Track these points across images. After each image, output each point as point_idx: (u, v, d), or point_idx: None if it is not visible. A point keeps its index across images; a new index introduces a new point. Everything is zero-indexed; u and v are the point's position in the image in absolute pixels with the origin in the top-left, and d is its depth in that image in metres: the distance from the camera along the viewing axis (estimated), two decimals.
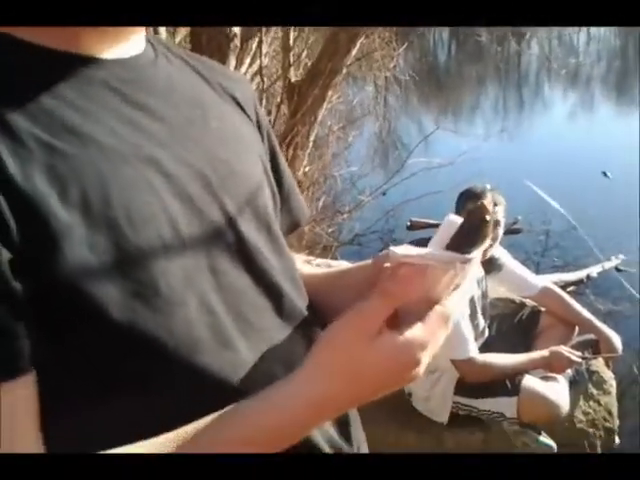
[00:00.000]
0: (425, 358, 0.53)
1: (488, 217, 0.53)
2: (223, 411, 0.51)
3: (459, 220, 0.55)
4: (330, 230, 3.81)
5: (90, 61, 0.55)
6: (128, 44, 0.58)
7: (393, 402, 2.33)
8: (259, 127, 0.71)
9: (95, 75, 0.55)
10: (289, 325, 0.61)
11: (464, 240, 0.54)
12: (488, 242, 0.55)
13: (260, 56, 2.79)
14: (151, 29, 0.66)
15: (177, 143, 0.57)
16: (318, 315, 0.66)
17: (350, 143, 4.91)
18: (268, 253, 0.62)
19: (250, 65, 2.68)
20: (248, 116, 0.70)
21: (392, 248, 0.55)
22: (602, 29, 15.24)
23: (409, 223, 4.64)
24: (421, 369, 0.54)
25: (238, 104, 0.69)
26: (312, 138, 3.10)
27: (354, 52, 2.89)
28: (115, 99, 0.55)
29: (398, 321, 0.53)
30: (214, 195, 0.58)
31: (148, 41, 0.62)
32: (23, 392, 0.46)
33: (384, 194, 4.66)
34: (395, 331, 0.52)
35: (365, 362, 0.52)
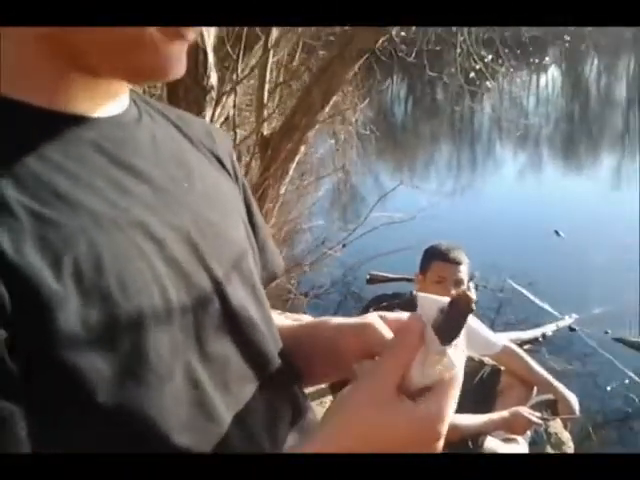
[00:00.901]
0: (444, 430, 0.52)
1: (473, 307, 0.54)
2: None
3: (440, 303, 0.55)
4: (292, 282, 3.79)
5: (77, 120, 0.53)
6: (114, 102, 0.57)
7: None
8: (236, 180, 0.71)
9: (82, 135, 0.53)
10: (271, 389, 0.60)
11: (448, 328, 0.54)
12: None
13: (234, 108, 2.80)
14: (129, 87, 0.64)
15: (163, 205, 0.56)
16: (295, 370, 0.66)
17: (319, 197, 4.96)
18: (254, 315, 0.61)
19: (225, 118, 2.69)
20: (227, 171, 0.70)
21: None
22: (551, 91, 16.04)
23: (368, 276, 4.65)
24: (441, 443, 0.53)
25: (219, 160, 0.69)
26: (282, 192, 3.12)
27: (327, 109, 2.94)
28: (102, 160, 0.54)
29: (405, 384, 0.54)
30: (201, 260, 0.57)
31: (130, 98, 0.61)
32: None
33: (344, 246, 4.68)
34: (411, 400, 0.52)
35: (382, 426, 0.52)
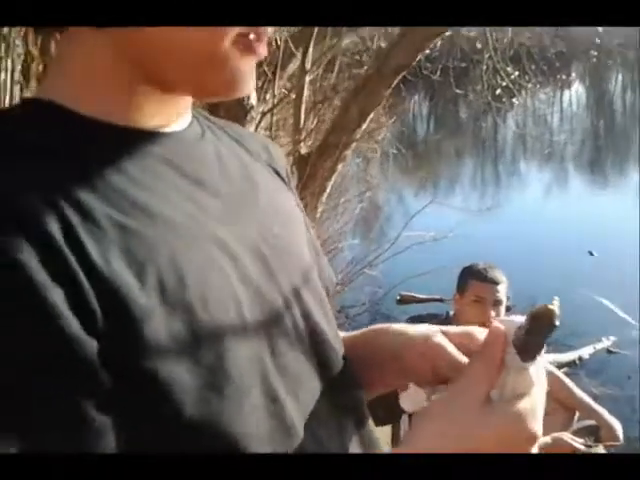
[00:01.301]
0: (539, 429, 0.53)
1: (557, 322, 0.52)
2: None
3: (516, 322, 0.54)
4: None
5: (147, 135, 0.54)
6: (179, 117, 0.58)
7: None
8: (293, 192, 0.72)
9: (153, 149, 0.54)
10: (337, 397, 0.60)
11: (531, 344, 0.53)
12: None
13: (271, 128, 2.80)
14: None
15: (234, 220, 0.56)
16: (358, 379, 0.66)
17: (355, 216, 4.95)
18: (324, 329, 0.61)
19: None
20: (286, 185, 0.70)
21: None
22: (575, 107, 15.93)
23: (399, 297, 4.61)
24: (538, 442, 0.53)
25: (278, 174, 0.69)
26: (320, 210, 3.10)
27: (364, 126, 2.92)
28: (174, 174, 0.54)
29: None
30: (272, 276, 0.57)
31: (193, 114, 0.61)
32: None
33: (371, 266, 4.65)
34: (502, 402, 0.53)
35: (476, 427, 0.52)
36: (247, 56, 0.53)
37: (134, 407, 0.46)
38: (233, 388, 0.50)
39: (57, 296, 0.43)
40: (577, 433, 2.50)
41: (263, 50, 0.54)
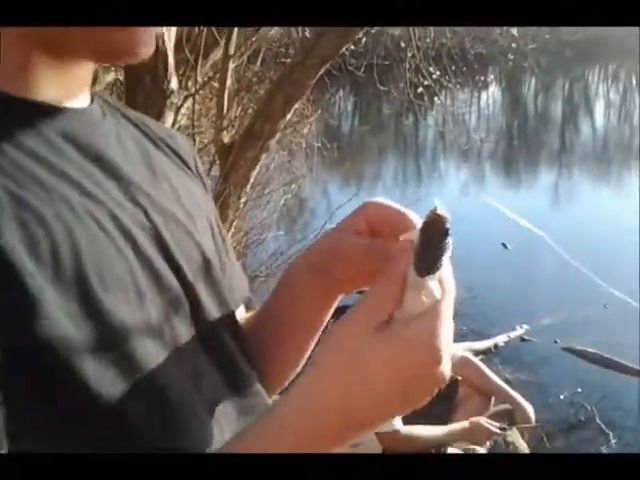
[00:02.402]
0: (443, 353, 0.47)
1: (448, 226, 0.48)
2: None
3: (416, 234, 0.50)
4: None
5: (47, 108, 0.53)
6: (79, 93, 0.57)
7: None
8: (203, 184, 0.71)
9: (52, 124, 0.52)
10: (243, 401, 0.60)
11: (425, 257, 0.49)
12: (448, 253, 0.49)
13: (193, 115, 2.74)
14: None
15: (133, 202, 0.56)
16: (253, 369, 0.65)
17: (280, 207, 4.93)
18: (220, 325, 0.60)
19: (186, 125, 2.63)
20: (194, 174, 0.69)
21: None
22: (492, 109, 16.54)
23: None
24: (444, 367, 0.47)
25: (184, 162, 0.68)
26: (243, 200, 3.06)
27: (289, 116, 2.91)
28: (74, 150, 0.53)
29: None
30: (171, 260, 0.57)
31: (93, 96, 0.60)
32: None
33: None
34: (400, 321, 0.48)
35: (373, 357, 0.47)
36: None
37: (25, 385, 0.44)
38: (127, 363, 0.49)
39: None
40: (493, 417, 2.60)
41: None
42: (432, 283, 0.49)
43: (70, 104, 0.55)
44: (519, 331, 4.64)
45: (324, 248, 0.63)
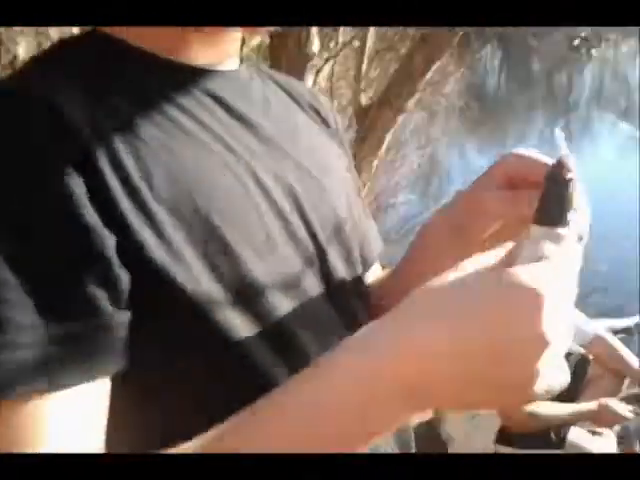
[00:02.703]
0: (550, 311, 0.38)
1: (571, 175, 0.45)
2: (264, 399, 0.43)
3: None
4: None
5: (199, 71, 0.58)
6: (229, 58, 0.61)
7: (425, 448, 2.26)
8: (343, 148, 0.73)
9: (203, 84, 0.58)
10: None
11: (548, 211, 0.45)
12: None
13: (332, 77, 2.76)
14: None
15: (271, 157, 0.59)
16: None
17: (414, 170, 4.87)
18: (348, 284, 0.61)
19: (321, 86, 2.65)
20: (335, 136, 0.72)
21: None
22: None
23: None
24: (549, 333, 0.38)
25: (324, 121, 0.71)
26: (375, 163, 3.05)
27: (428, 76, 2.83)
28: (219, 108, 0.58)
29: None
30: (303, 215, 0.59)
31: (242, 60, 0.65)
32: (105, 389, 0.46)
33: None
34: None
35: (471, 300, 0.40)
36: None
37: (151, 314, 0.47)
38: (257, 311, 0.51)
39: (78, 188, 0.45)
40: (626, 400, 2.46)
41: None
42: (553, 236, 0.44)
43: (221, 67, 0.60)
44: None
45: (463, 206, 0.61)
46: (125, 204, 0.47)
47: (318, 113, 0.71)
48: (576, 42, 5.91)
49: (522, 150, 0.57)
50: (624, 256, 4.83)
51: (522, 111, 11.14)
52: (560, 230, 0.44)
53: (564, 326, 0.40)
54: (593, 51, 6.39)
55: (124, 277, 0.46)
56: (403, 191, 4.96)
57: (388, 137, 3.06)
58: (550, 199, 0.45)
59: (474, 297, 0.40)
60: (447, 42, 2.78)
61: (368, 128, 2.90)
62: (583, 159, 8.73)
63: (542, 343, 0.39)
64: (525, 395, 0.41)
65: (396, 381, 0.40)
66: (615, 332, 3.85)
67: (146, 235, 0.47)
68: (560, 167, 0.45)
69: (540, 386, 0.40)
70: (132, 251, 0.46)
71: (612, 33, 6.27)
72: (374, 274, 0.73)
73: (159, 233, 0.48)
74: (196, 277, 0.48)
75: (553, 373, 0.41)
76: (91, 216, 0.45)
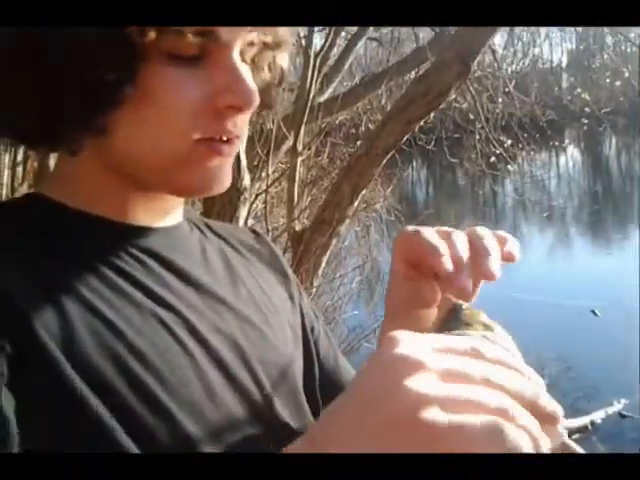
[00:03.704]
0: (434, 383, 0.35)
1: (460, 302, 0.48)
2: None
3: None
4: None
5: (136, 229, 0.58)
6: (169, 214, 0.62)
7: None
8: (292, 287, 0.73)
9: (141, 243, 0.58)
10: None
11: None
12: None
13: (266, 208, 2.89)
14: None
15: (210, 309, 0.59)
16: None
17: (353, 289, 4.97)
18: (297, 429, 0.60)
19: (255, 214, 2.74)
20: (281, 276, 0.72)
21: None
22: (571, 171, 16.14)
23: None
24: (430, 414, 0.34)
25: (270, 266, 0.71)
26: (316, 284, 3.14)
27: (356, 203, 3.01)
28: (158, 266, 0.58)
29: None
30: (248, 365, 0.58)
31: (184, 215, 0.65)
32: None
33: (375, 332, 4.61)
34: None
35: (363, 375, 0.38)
36: (212, 157, 0.56)
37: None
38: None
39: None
40: None
41: (230, 150, 0.57)
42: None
43: (161, 224, 0.61)
44: (617, 406, 4.34)
45: (391, 311, 0.61)
46: (53, 373, 0.47)
47: (259, 254, 0.71)
48: (492, 159, 6.36)
49: (410, 231, 0.56)
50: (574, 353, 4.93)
51: (452, 221, 11.66)
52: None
53: (437, 345, 0.38)
54: (509, 166, 6.89)
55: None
56: (346, 306, 5.01)
57: (324, 260, 3.17)
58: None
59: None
60: (370, 172, 2.97)
61: (304, 252, 3.01)
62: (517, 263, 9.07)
63: (404, 362, 0.36)
64: (422, 426, 0.35)
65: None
66: (571, 432, 3.85)
67: (67, 403, 0.47)
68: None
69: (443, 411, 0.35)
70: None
71: (524, 151, 6.82)
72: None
73: (80, 398, 0.47)
74: (122, 439, 0.48)
75: (455, 391, 0.36)
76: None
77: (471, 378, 0.36)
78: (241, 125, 0.57)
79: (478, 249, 0.52)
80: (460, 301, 0.50)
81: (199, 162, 0.55)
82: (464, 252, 0.52)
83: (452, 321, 0.48)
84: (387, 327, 0.60)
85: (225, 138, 0.55)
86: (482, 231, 0.55)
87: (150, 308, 0.54)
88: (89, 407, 0.47)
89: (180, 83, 0.52)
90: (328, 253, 3.07)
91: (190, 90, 0.53)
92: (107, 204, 0.57)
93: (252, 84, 0.54)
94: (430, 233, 0.54)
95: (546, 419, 0.37)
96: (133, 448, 0.48)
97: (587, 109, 8.48)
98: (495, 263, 0.52)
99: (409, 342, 0.37)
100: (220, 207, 2.26)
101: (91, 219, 0.56)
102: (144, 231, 0.59)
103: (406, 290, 0.58)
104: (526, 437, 0.35)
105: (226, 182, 0.59)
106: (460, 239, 0.53)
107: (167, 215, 0.62)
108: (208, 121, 0.54)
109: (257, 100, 0.55)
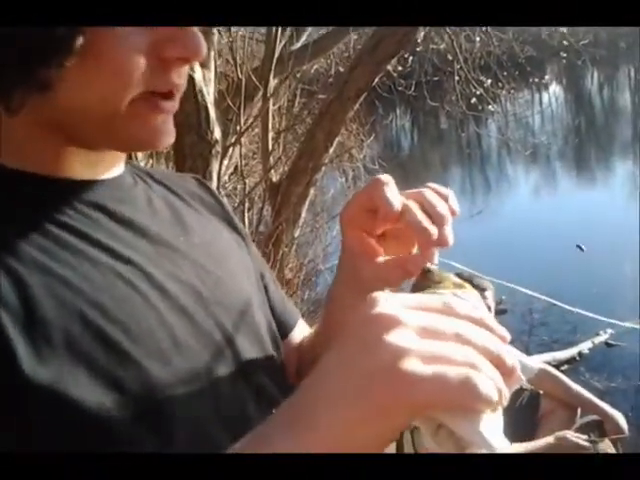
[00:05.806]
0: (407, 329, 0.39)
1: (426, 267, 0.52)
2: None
3: None
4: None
5: (79, 183, 0.57)
6: (111, 166, 0.61)
7: None
8: (236, 230, 0.74)
9: (87, 196, 0.57)
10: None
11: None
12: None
13: (241, 158, 2.86)
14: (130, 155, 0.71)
15: (164, 259, 0.59)
16: None
17: (333, 237, 5.00)
18: (261, 368, 0.63)
19: (234, 168, 2.73)
20: (224, 221, 0.72)
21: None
22: (555, 108, 16.04)
23: None
24: (403, 353, 0.38)
25: (213, 212, 0.71)
26: (296, 235, 3.14)
27: (331, 150, 2.98)
28: (105, 218, 0.57)
29: None
30: (208, 309, 0.59)
31: (126, 165, 0.64)
32: None
33: None
34: None
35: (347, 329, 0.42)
36: (154, 113, 0.55)
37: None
38: (165, 420, 0.51)
39: None
40: (580, 430, 2.48)
41: (171, 106, 0.56)
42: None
43: (103, 176, 0.60)
44: (603, 336, 4.43)
45: (348, 258, 0.64)
46: (9, 331, 0.46)
47: (203, 201, 0.72)
48: (473, 100, 6.30)
49: (365, 190, 0.60)
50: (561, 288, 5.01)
51: (438, 166, 11.64)
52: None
53: (412, 303, 0.42)
54: (490, 107, 6.84)
55: None
56: (334, 255, 5.04)
57: (304, 209, 3.16)
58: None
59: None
60: (343, 117, 2.93)
61: (282, 204, 3.00)
62: (502, 204, 9.16)
63: (384, 320, 0.40)
64: (401, 376, 0.38)
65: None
66: (559, 364, 3.93)
67: (29, 355, 0.46)
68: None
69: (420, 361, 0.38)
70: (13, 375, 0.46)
71: (504, 90, 6.75)
72: (302, 333, 0.78)
73: (43, 354, 0.47)
74: (91, 393, 0.48)
75: (429, 347, 0.39)
76: None
77: (444, 334, 0.40)
78: (184, 76, 0.57)
79: (433, 217, 0.56)
80: (429, 264, 0.54)
81: (142, 117, 0.55)
82: (431, 209, 0.57)
83: (424, 281, 0.52)
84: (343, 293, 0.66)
85: (166, 91, 0.55)
86: (431, 197, 0.58)
87: (105, 262, 0.54)
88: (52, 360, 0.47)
89: (126, 34, 0.51)
90: (307, 203, 3.05)
91: (136, 41, 0.52)
92: (47, 161, 0.56)
93: (198, 33, 0.54)
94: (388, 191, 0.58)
95: (506, 372, 0.41)
96: (103, 401, 0.48)
97: (565, 42, 8.36)
98: (450, 230, 0.57)
99: (387, 301, 0.41)
100: (192, 162, 2.23)
101: (36, 178, 0.55)
102: (88, 184, 0.58)
103: (372, 271, 0.61)
104: (494, 388, 0.39)
105: (170, 137, 0.58)
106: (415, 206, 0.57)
107: (110, 167, 0.61)
108: (155, 73, 0.53)
109: (205, 50, 0.54)
